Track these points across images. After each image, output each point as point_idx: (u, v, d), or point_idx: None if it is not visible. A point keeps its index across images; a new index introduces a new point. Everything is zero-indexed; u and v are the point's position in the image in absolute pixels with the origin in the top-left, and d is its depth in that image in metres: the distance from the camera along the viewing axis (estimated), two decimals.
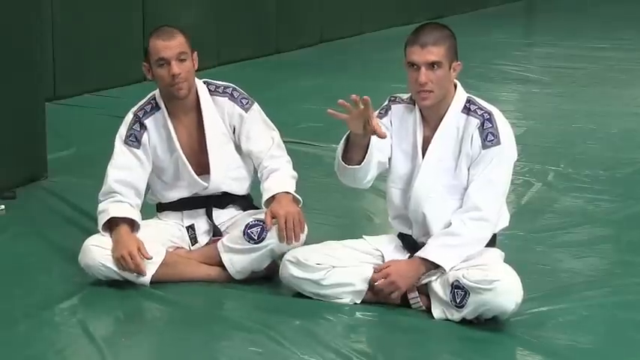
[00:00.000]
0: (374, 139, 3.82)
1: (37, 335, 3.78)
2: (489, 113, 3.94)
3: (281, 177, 4.27)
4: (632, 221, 5.27)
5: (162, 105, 4.31)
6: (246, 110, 4.34)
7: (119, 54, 8.85)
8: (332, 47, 11.93)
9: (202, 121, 4.31)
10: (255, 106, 4.37)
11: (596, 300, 4.16)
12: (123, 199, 4.24)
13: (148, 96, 4.38)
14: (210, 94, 4.32)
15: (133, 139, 4.30)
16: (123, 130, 4.33)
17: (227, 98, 4.33)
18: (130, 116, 4.34)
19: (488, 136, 3.90)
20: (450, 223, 3.92)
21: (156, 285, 4.15)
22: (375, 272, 3.97)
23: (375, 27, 13.19)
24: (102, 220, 4.20)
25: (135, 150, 4.29)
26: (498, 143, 3.90)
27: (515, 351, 3.73)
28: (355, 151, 3.85)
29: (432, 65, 3.83)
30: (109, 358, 3.55)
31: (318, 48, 11.85)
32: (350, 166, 3.88)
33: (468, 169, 3.93)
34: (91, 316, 3.93)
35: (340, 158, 3.89)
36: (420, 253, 3.92)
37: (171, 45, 4.18)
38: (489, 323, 3.81)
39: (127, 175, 4.27)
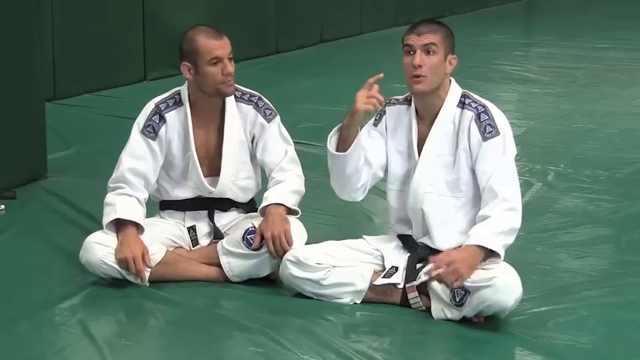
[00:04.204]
0: (367, 150, 3.97)
1: (37, 335, 3.78)
2: (484, 106, 3.96)
3: (281, 189, 4.26)
4: (632, 221, 5.27)
5: (186, 102, 4.30)
6: (269, 121, 4.34)
7: (119, 54, 8.84)
8: (332, 47, 11.91)
9: (223, 125, 4.31)
10: (277, 118, 4.38)
11: (596, 300, 4.16)
12: (132, 192, 4.23)
13: (172, 91, 4.36)
14: (236, 100, 4.32)
15: (150, 130, 4.28)
16: (141, 120, 4.30)
17: (252, 107, 4.33)
18: (150, 106, 4.32)
19: (487, 128, 3.91)
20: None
21: (156, 285, 4.15)
22: (433, 262, 3.85)
23: (375, 27, 13.17)
24: (107, 215, 4.19)
25: (150, 141, 4.28)
26: (498, 134, 3.91)
27: (515, 351, 3.73)
28: (345, 144, 3.90)
29: (427, 51, 3.86)
30: (109, 358, 3.55)
31: (318, 48, 11.84)
32: (338, 153, 3.91)
33: (472, 168, 3.93)
34: (91, 316, 3.93)
35: (330, 147, 3.94)
36: (474, 241, 3.78)
37: (224, 44, 4.20)
38: (489, 323, 3.81)
39: (140, 164, 4.26)
